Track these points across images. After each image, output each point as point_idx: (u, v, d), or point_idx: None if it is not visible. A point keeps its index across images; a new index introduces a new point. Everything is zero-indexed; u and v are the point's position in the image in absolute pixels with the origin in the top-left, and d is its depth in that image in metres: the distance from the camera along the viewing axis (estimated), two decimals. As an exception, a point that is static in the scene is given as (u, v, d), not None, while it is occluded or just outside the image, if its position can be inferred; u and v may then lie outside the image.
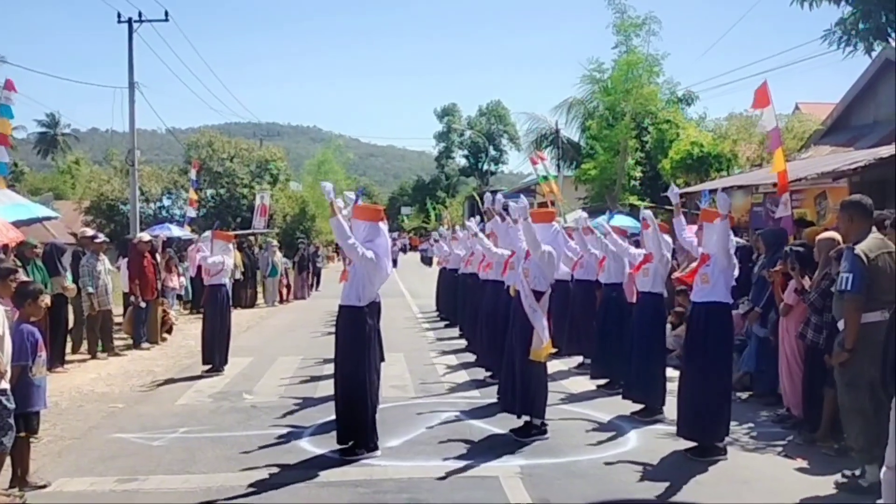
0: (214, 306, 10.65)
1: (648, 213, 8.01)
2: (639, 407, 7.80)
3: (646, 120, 24.06)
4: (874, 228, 5.58)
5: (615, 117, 23.11)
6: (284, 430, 7.22)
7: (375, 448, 6.38)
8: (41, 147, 66.04)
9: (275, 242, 23.13)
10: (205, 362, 10.49)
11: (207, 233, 11.38)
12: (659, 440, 6.87)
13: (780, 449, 6.64)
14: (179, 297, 16.65)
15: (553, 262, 7.01)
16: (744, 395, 8.56)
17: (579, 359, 10.44)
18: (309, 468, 6.08)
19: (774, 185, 11.13)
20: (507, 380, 7.21)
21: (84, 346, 12.02)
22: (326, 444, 6.61)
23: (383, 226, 6.55)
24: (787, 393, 7.47)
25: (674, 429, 6.76)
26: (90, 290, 11.66)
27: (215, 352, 10.45)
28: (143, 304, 12.86)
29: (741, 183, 15.36)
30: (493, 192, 11.17)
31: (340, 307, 6.48)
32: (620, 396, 8.13)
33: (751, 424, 7.46)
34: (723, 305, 6.56)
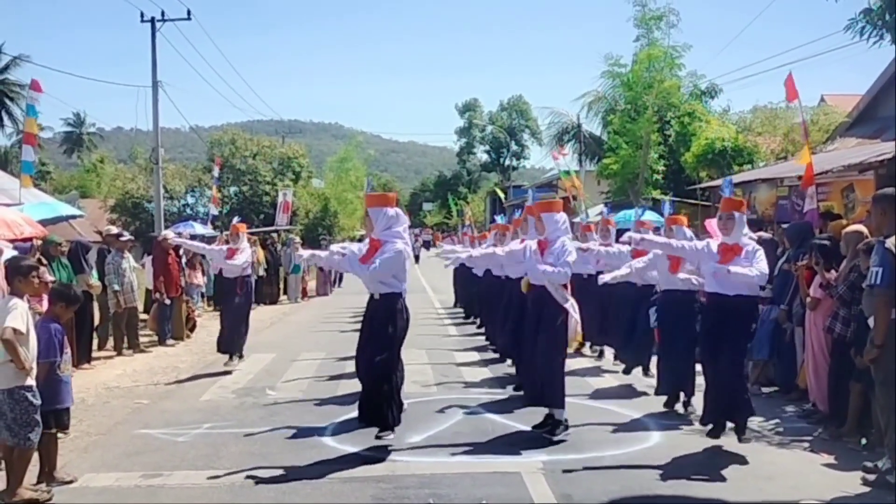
0: (237, 296, 10.60)
1: (636, 236, 7.41)
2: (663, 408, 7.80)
3: (668, 113, 23.88)
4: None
5: (637, 111, 22.95)
6: (307, 427, 7.25)
7: (395, 425, 6.54)
8: (67, 146, 66.80)
9: (297, 239, 23.24)
10: (220, 351, 10.54)
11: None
12: (683, 437, 6.82)
13: (806, 444, 6.57)
14: (203, 293, 16.78)
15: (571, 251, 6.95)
16: (767, 390, 8.50)
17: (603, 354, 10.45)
18: (332, 464, 6.10)
19: (799, 177, 11.01)
20: (528, 373, 7.16)
21: (110, 342, 12.14)
22: (349, 441, 6.63)
23: (399, 211, 6.60)
24: (813, 387, 7.39)
25: (697, 427, 6.76)
26: (116, 287, 11.78)
27: (234, 341, 10.48)
28: (167, 301, 12.98)
29: (765, 176, 15.21)
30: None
31: (371, 296, 6.58)
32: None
33: (776, 420, 7.39)
34: (750, 297, 6.52)
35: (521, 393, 8.11)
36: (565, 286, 6.84)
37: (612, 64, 24.07)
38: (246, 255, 10.62)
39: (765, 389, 8.55)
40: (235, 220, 11.34)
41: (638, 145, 22.77)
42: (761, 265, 6.37)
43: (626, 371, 9.22)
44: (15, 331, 5.09)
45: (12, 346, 5.07)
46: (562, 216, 7.03)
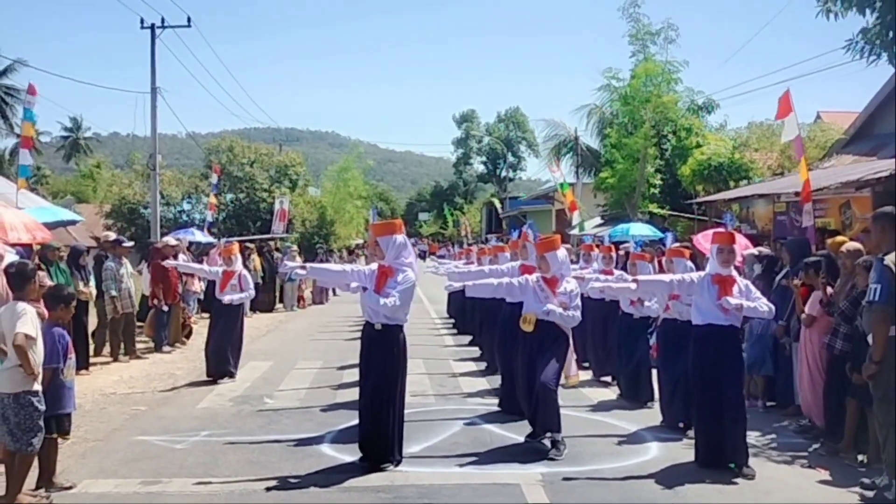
0: (228, 318, 10.47)
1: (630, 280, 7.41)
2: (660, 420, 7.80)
3: (665, 128, 23.99)
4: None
5: (634, 125, 23.05)
6: (306, 435, 7.25)
7: (399, 461, 6.33)
8: (64, 151, 66.71)
9: (294, 247, 23.23)
10: (208, 374, 10.24)
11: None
12: (681, 450, 6.84)
13: (803, 460, 6.61)
14: (200, 300, 16.73)
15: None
16: (762, 404, 8.53)
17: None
18: (330, 473, 6.11)
19: (797, 194, 11.08)
20: (527, 401, 7.06)
21: (106, 349, 12.12)
22: (347, 450, 6.63)
23: (406, 239, 6.53)
24: (808, 403, 7.43)
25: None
26: (113, 293, 11.76)
27: (222, 362, 10.26)
28: (165, 308, 12.97)
29: (762, 192, 15.29)
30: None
31: (370, 325, 6.35)
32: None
33: (773, 435, 7.43)
34: (734, 328, 6.53)
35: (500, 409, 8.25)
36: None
37: (609, 77, 24.18)
38: (249, 280, 10.66)
39: (763, 404, 8.57)
40: (223, 241, 11.30)
41: (635, 159, 22.85)
42: (764, 299, 6.57)
43: (624, 397, 9.17)
44: (27, 336, 5.10)
45: (24, 351, 5.08)
46: (563, 253, 7.10)
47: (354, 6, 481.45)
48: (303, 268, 6.72)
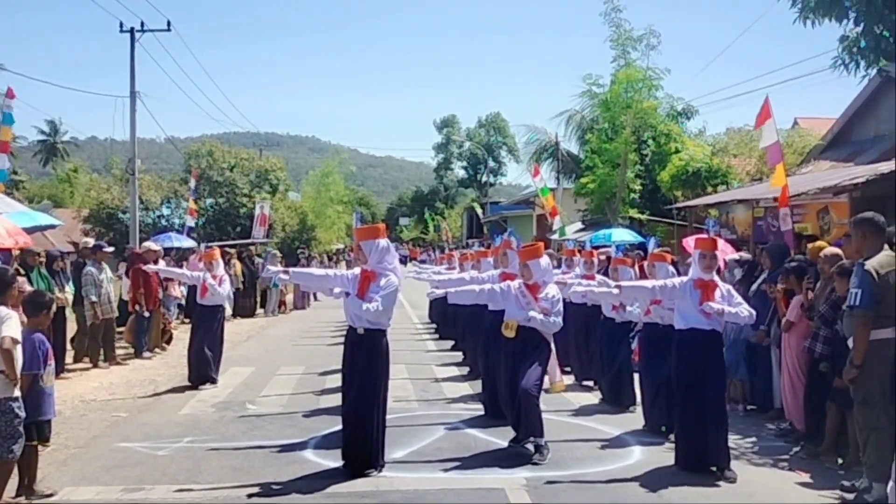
0: (209, 324, 10.44)
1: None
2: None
3: (646, 133, 24.18)
4: (885, 246, 5.61)
5: (615, 131, 23.21)
6: (289, 441, 7.23)
7: (382, 466, 6.31)
8: (41, 155, 66.01)
9: (277, 253, 23.13)
10: (190, 380, 10.18)
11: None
12: (664, 454, 6.87)
13: (783, 463, 6.67)
14: (180, 305, 16.63)
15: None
16: (744, 408, 8.61)
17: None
18: (314, 479, 6.09)
19: (775, 199, 11.20)
20: (510, 407, 7.07)
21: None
22: (331, 456, 6.61)
23: (389, 243, 6.53)
24: (789, 407, 7.51)
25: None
26: (93, 298, 11.66)
27: (203, 368, 10.22)
28: (147, 314, 12.87)
29: (741, 197, 15.45)
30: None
31: (353, 329, 6.32)
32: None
33: (754, 438, 7.50)
34: (717, 332, 6.58)
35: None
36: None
37: (590, 83, 24.34)
38: (227, 283, 10.65)
39: (743, 408, 8.65)
40: (203, 246, 11.24)
41: (615, 164, 22.99)
42: (745, 304, 6.64)
43: (606, 401, 9.20)
44: (13, 340, 5.06)
45: (10, 356, 5.03)
46: (545, 260, 7.12)
47: (336, 13, 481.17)
48: (286, 272, 6.70)
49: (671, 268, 8.00)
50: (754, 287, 8.76)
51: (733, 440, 7.11)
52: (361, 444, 6.24)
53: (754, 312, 6.77)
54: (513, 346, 6.89)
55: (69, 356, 11.64)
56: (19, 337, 5.12)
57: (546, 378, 7.15)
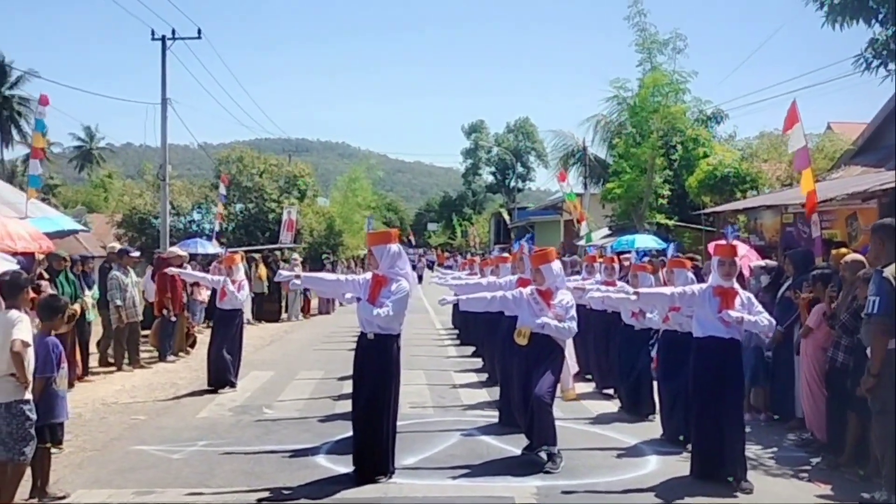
0: (228, 328, 10.50)
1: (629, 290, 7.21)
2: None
3: (674, 138, 23.94)
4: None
5: (642, 136, 23.01)
6: (302, 446, 7.23)
7: (392, 473, 6.29)
8: (77, 161, 67.20)
9: (297, 257, 23.26)
10: (210, 384, 10.23)
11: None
12: (680, 463, 6.77)
13: (803, 474, 6.52)
14: (205, 309, 16.76)
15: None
16: (762, 418, 8.45)
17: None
18: (324, 485, 6.08)
19: (803, 205, 11.00)
20: (523, 414, 7.01)
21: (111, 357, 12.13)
22: (343, 461, 6.59)
23: (400, 248, 6.51)
24: (809, 416, 7.36)
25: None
26: (118, 302, 11.80)
27: (222, 372, 10.27)
28: (174, 318, 13.01)
29: (770, 203, 15.20)
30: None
31: (364, 334, 6.33)
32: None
33: (774, 448, 7.35)
34: (736, 341, 6.45)
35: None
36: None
37: (617, 87, 24.17)
38: (246, 288, 10.74)
39: (765, 417, 8.50)
40: (225, 251, 11.33)
41: (642, 169, 22.79)
42: (766, 313, 6.46)
43: (625, 410, 9.09)
44: (24, 343, 5.12)
45: (21, 358, 5.09)
46: (557, 265, 7.02)
47: (365, 21, 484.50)
48: (297, 277, 6.71)
49: (691, 274, 7.86)
50: (779, 294, 8.62)
51: (753, 450, 7.01)
52: (371, 449, 6.22)
53: (774, 322, 6.64)
54: (526, 353, 6.82)
55: (94, 359, 11.79)
56: (30, 340, 5.18)
57: (558, 385, 7.07)
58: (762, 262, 9.89)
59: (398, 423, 6.76)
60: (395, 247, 6.40)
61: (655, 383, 8.38)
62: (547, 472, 6.42)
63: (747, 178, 20.34)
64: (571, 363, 7.40)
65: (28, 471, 5.43)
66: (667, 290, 7.02)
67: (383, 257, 6.33)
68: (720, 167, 20.45)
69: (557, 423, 6.87)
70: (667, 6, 32.59)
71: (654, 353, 9.13)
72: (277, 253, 23.47)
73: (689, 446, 6.91)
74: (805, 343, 7.29)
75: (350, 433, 6.64)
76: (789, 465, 6.76)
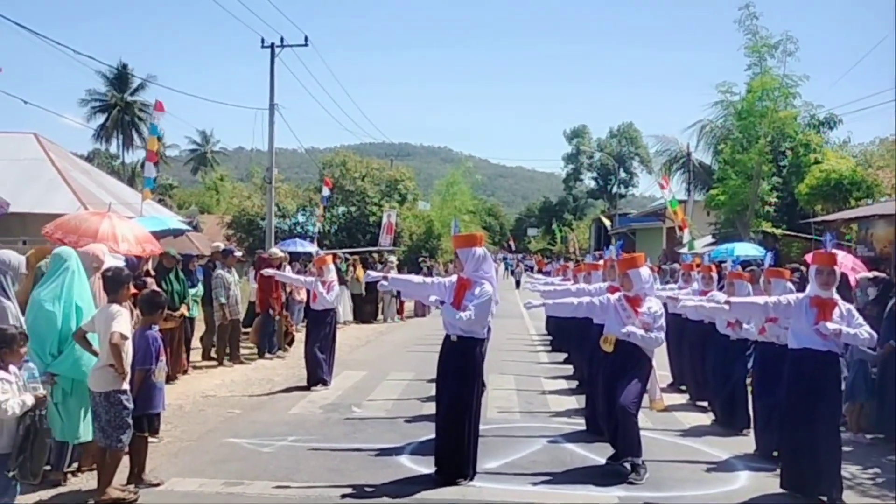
0: (320, 328, 10.76)
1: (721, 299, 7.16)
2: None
3: (783, 144, 23.01)
4: None
5: (749, 141, 22.21)
6: (387, 445, 7.35)
7: (473, 476, 6.31)
8: (192, 164, 70.45)
9: (393, 259, 23.58)
10: (310, 384, 10.54)
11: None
12: (771, 480, 6.50)
13: (905, 498, 6.17)
14: (304, 309, 17.23)
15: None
16: (870, 437, 8.02)
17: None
18: (405, 484, 6.16)
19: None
20: (607, 423, 6.91)
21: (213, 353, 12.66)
22: (425, 462, 6.66)
23: (486, 252, 6.54)
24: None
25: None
26: (222, 300, 12.30)
27: (315, 370, 10.56)
28: (278, 317, 13.47)
29: (882, 212, 14.43)
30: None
31: (448, 336, 6.42)
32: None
33: (876, 469, 6.98)
34: (833, 354, 6.15)
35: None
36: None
37: (723, 92, 23.41)
38: (336, 290, 10.94)
39: (868, 436, 8.07)
40: (317, 252, 11.55)
41: (748, 176, 22.00)
42: (867, 326, 6.13)
43: (718, 423, 8.78)
44: (122, 335, 5.41)
45: (119, 350, 5.38)
46: (646, 271, 6.89)
47: (471, 31, 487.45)
48: (385, 278, 6.83)
49: (790, 284, 7.56)
50: (888, 308, 8.18)
51: (851, 470, 6.70)
52: (453, 452, 6.26)
53: (875, 335, 6.28)
54: (611, 361, 6.72)
55: (196, 354, 12.32)
56: (128, 333, 5.47)
57: (646, 396, 6.92)
58: (869, 274, 9.40)
59: (483, 427, 6.81)
60: (480, 250, 6.43)
61: (751, 397, 8.09)
62: (630, 483, 6.30)
63: (862, 185, 19.36)
64: (661, 373, 7.22)
65: (126, 458, 5.74)
66: (760, 299, 6.77)
67: (468, 260, 6.37)
68: (832, 174, 19.54)
69: (646, 434, 6.75)
70: (777, 8, 31.18)
71: (750, 366, 8.81)
72: (376, 255, 23.86)
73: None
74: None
75: (434, 435, 6.73)
76: (890, 489, 6.40)
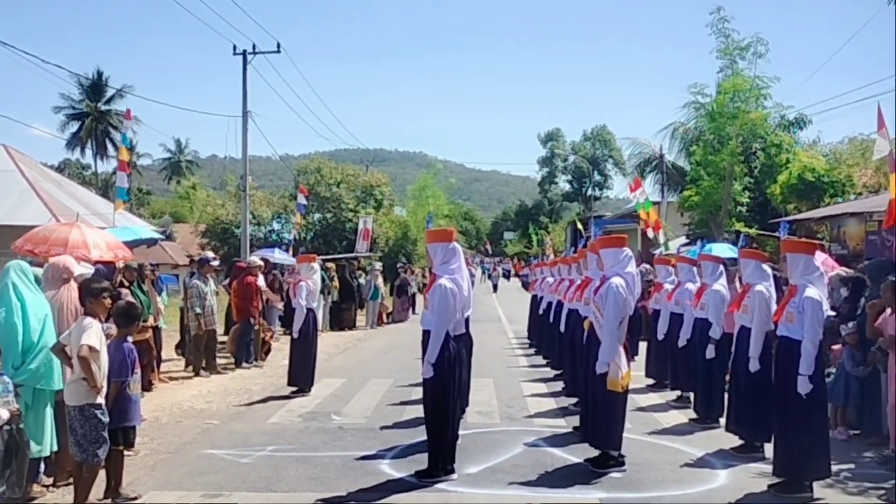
0: (302, 330, 10.72)
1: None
2: (738, 442, 7.50)
3: (754, 144, 23.27)
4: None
5: (721, 142, 22.43)
6: (367, 452, 7.31)
7: (451, 472, 6.39)
8: (167, 172, 69.86)
9: (378, 266, 23.53)
10: (290, 384, 10.65)
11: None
12: (750, 479, 6.57)
13: (881, 492, 6.24)
14: (281, 317, 17.11)
15: (621, 295, 6.69)
16: (844, 434, 8.11)
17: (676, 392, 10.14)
18: (386, 491, 6.13)
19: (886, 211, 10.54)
20: (585, 411, 7.09)
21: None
22: (406, 468, 6.65)
23: (457, 246, 6.65)
24: (892, 433, 7.02)
25: (767, 468, 6.50)
26: (198, 310, 12.17)
27: (301, 375, 10.60)
28: (257, 326, 13.37)
29: (853, 210, 14.64)
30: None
31: (424, 331, 6.58)
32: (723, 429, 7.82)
33: (852, 465, 7.05)
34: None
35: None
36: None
37: (695, 93, 23.61)
38: (304, 292, 10.69)
39: (850, 432, 8.16)
40: (301, 250, 11.54)
41: (721, 177, 22.22)
42: (810, 324, 6.02)
43: (699, 421, 8.86)
44: (90, 348, 5.32)
45: (87, 363, 5.29)
46: (623, 251, 6.95)
47: (442, 35, 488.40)
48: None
49: (767, 266, 7.62)
50: (861, 306, 8.28)
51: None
52: (429, 444, 6.47)
53: (814, 335, 6.14)
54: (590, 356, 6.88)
55: (173, 364, 12.19)
56: (98, 346, 5.38)
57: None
58: (841, 271, 9.52)
59: (463, 432, 6.85)
60: (449, 245, 6.58)
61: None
62: (610, 481, 6.35)
63: (836, 184, 19.64)
64: (636, 373, 7.33)
65: (102, 472, 5.66)
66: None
67: (436, 254, 6.55)
68: (806, 171, 19.80)
69: (625, 435, 6.81)
70: (747, 10, 31.50)
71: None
72: (354, 262, 23.78)
73: (758, 457, 7.08)
74: (892, 355, 6.96)
75: (416, 440, 6.80)
76: (867, 483, 6.48)
